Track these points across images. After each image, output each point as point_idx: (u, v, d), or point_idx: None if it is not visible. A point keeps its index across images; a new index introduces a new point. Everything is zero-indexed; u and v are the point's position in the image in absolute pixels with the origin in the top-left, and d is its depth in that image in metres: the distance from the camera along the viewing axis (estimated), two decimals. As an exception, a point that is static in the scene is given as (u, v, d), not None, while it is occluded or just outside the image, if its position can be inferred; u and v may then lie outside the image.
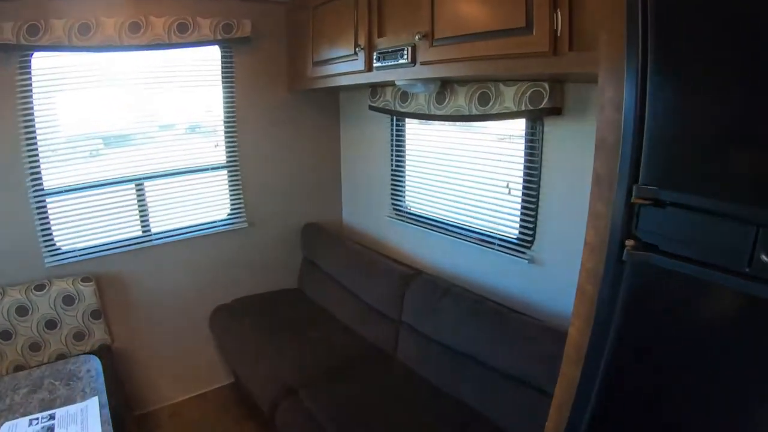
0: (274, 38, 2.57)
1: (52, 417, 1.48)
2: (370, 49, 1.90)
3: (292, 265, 2.89)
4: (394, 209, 2.56)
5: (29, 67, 2.12)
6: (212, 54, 2.47)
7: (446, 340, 1.86)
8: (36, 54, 2.12)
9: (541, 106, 1.63)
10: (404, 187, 2.49)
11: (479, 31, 1.43)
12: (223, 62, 2.49)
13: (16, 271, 2.17)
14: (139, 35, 2.18)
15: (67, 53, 2.16)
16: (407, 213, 2.48)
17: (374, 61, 1.86)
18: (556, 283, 1.75)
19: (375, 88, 2.42)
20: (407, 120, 2.39)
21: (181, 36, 2.26)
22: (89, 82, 2.26)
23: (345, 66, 2.07)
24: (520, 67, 1.37)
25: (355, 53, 1.96)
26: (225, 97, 2.54)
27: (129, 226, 2.43)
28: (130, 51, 2.24)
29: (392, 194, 2.55)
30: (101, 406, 1.48)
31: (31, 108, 2.15)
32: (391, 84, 2.17)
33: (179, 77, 2.43)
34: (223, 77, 2.52)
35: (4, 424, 1.47)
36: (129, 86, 2.33)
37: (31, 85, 2.14)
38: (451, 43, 1.53)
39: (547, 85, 1.60)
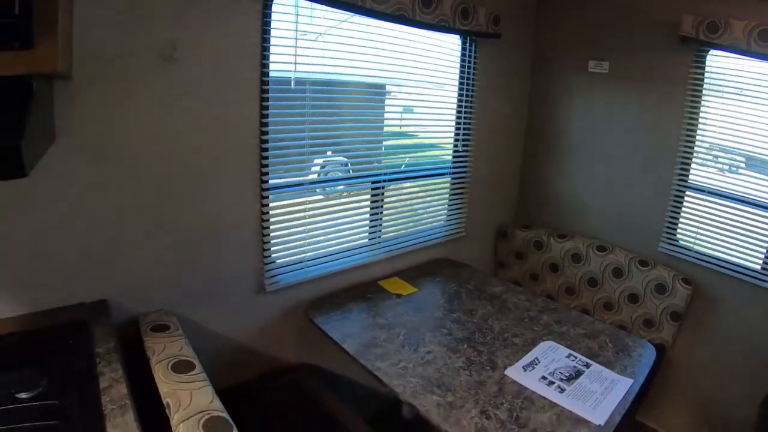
0: None
1: (586, 365, 1.57)
2: None
3: None
4: None
5: (704, 63, 2.16)
6: None
7: None
8: (712, 52, 2.13)
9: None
10: None
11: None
12: None
13: (632, 240, 2.45)
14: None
15: (741, 57, 2.07)
16: None
17: None
18: None
19: None
20: None
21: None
22: (758, 92, 2.10)
23: None
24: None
25: None
26: None
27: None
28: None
29: None
30: (629, 392, 1.44)
31: (698, 104, 2.21)
32: None
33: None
34: None
35: (549, 342, 1.69)
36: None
37: (702, 81, 2.18)
38: None
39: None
